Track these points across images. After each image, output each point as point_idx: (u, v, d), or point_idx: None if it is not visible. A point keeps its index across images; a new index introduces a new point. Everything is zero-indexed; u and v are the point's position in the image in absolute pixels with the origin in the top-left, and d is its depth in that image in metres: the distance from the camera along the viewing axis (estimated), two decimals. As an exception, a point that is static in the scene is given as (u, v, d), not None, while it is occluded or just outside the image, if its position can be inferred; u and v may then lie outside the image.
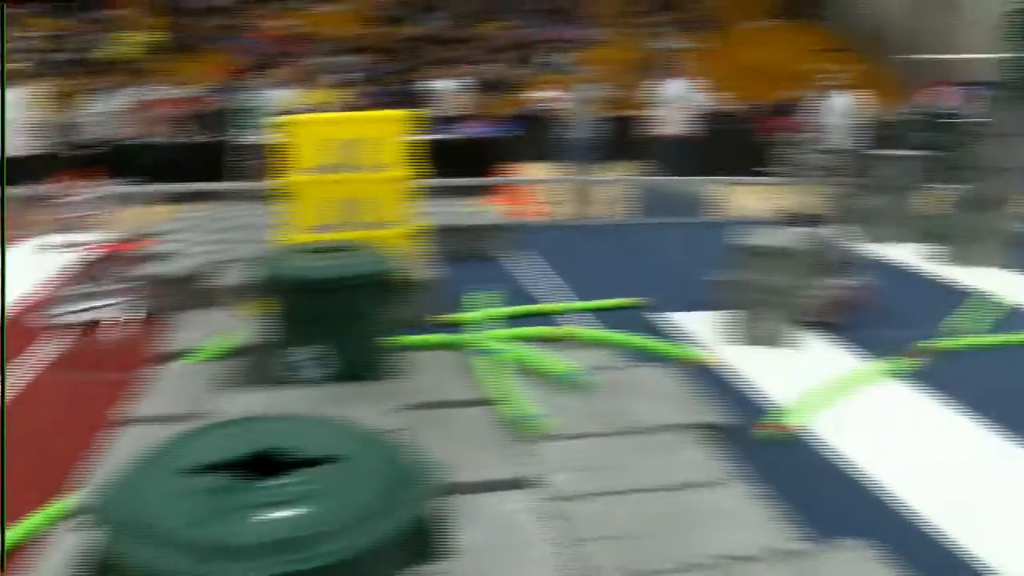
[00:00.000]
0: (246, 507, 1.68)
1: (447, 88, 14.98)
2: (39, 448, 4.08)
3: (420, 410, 3.70)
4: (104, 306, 6.12)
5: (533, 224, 9.97)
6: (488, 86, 17.50)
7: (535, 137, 12.97)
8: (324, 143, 5.77)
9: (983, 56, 11.76)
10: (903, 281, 7.68)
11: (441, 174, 8.89)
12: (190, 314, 5.47)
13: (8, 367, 5.10)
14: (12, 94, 9.74)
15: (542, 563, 2.65)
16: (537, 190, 12.20)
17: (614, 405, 3.84)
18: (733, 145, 13.16)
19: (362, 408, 3.45)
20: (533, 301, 6.63)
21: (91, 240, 7.59)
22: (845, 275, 6.31)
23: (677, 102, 11.59)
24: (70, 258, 7.50)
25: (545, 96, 15.08)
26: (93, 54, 18.00)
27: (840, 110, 11.26)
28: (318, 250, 4.26)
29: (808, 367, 5.38)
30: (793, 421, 4.53)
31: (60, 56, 17.46)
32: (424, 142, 6.29)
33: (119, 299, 6.16)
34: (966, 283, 7.41)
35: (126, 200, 9.49)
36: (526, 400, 3.81)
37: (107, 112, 12.60)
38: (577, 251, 8.84)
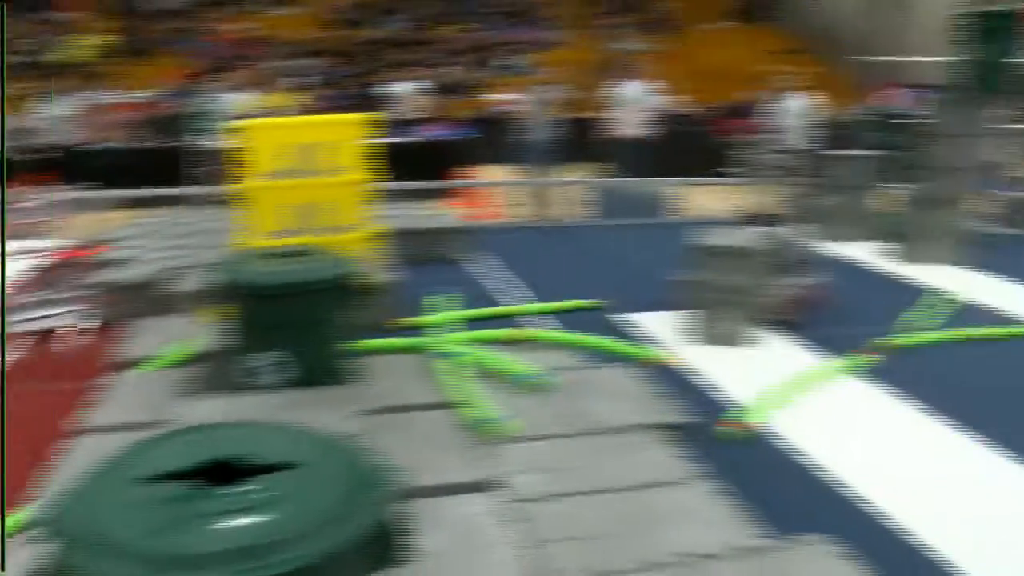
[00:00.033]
0: (205, 515, 1.66)
1: (405, 91, 14.96)
2: (-8, 459, 4.00)
3: (381, 414, 3.68)
4: (59, 314, 6.02)
5: (492, 226, 9.97)
6: (446, 89, 17.49)
7: (494, 139, 12.98)
8: (281, 147, 5.73)
9: (932, 59, 11.94)
10: (859, 279, 7.78)
11: (399, 177, 8.89)
12: (147, 321, 5.39)
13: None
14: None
15: (505, 566, 2.64)
16: (496, 192, 12.21)
17: (575, 406, 3.85)
18: (691, 146, 13.30)
19: (322, 413, 3.42)
20: (493, 303, 6.63)
21: (45, 247, 7.47)
22: (802, 274, 6.38)
23: (635, 104, 11.64)
24: (24, 265, 7.38)
25: (504, 98, 15.09)
26: (45, 57, 17.72)
27: (795, 111, 11.38)
28: (276, 255, 4.23)
29: (767, 365, 5.43)
30: (753, 419, 4.57)
31: (11, 59, 17.16)
32: (382, 145, 6.28)
33: (74, 307, 6.07)
34: (920, 280, 7.53)
35: (80, 206, 9.35)
36: (487, 403, 3.80)
37: (60, 116, 12.42)
38: (536, 253, 8.85)
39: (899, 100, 14.64)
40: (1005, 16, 8.63)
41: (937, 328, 6.17)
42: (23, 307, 6.04)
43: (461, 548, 2.70)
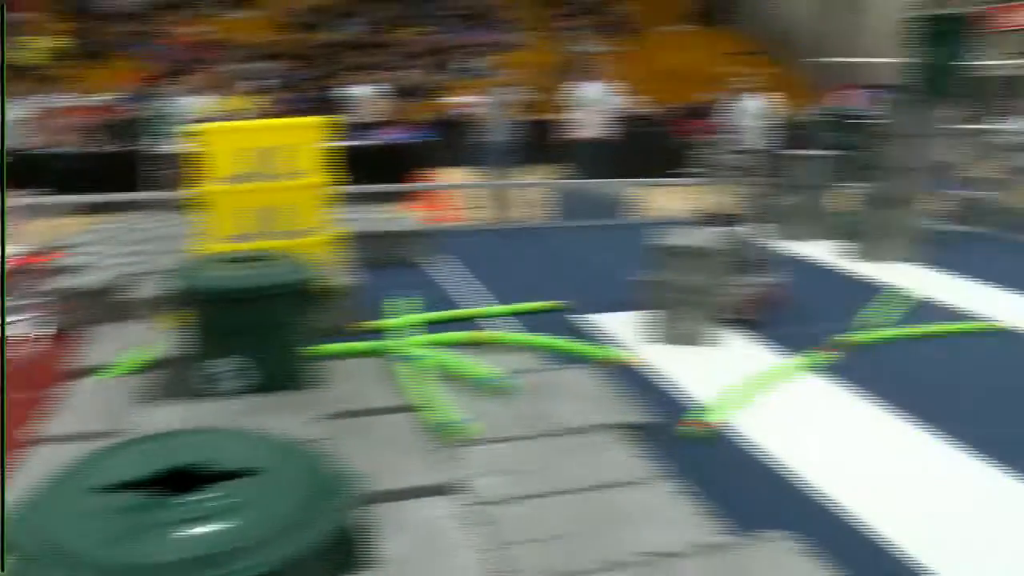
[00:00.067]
0: (163, 524, 1.64)
1: (364, 94, 14.91)
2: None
3: (342, 419, 3.66)
4: (13, 321, 5.92)
5: (452, 229, 9.97)
6: (405, 92, 17.45)
7: (453, 142, 12.97)
8: (240, 151, 5.68)
9: (886, 60, 12.13)
10: (817, 277, 7.88)
11: (359, 180, 8.86)
12: (104, 328, 5.31)
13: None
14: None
15: (467, 569, 2.64)
16: (456, 195, 12.20)
17: (537, 408, 3.85)
18: (650, 147, 13.37)
19: (283, 418, 3.40)
20: (454, 306, 6.62)
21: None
22: (762, 273, 6.45)
23: (594, 105, 11.68)
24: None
25: (462, 101, 15.10)
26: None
27: (753, 112, 11.50)
28: (235, 260, 4.19)
29: (728, 364, 5.48)
30: (715, 418, 4.61)
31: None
32: (341, 149, 6.24)
33: (29, 314, 5.97)
34: (877, 278, 7.64)
35: (34, 211, 9.20)
36: (449, 406, 3.80)
37: (12, 120, 12.21)
38: (497, 255, 8.86)
39: (854, 101, 14.84)
40: (955, 20, 8.81)
41: (894, 325, 6.27)
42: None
43: (424, 552, 2.69)
